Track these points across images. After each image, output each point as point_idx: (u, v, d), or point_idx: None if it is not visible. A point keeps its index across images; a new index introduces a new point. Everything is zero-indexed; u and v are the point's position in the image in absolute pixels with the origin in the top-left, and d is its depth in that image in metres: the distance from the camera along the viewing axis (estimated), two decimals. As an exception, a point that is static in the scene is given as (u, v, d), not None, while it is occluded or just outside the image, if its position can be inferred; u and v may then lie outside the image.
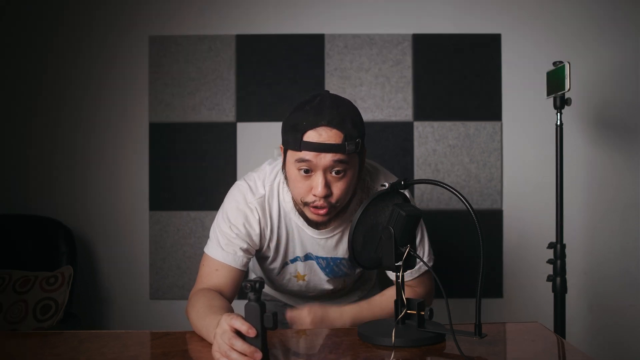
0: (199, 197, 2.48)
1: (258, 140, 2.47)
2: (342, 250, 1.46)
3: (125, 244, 2.51)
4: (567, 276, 2.04)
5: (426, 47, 2.49)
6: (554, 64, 2.01)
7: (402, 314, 1.20)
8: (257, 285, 1.02)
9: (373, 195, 1.20)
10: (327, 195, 1.27)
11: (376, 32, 2.49)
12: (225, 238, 1.37)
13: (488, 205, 2.49)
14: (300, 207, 1.33)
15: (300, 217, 1.39)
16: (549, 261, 2.07)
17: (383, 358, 1.10)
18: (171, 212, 2.49)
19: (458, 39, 2.48)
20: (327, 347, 1.19)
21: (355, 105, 1.34)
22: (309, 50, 2.49)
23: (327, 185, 1.26)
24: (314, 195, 1.27)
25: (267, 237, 1.42)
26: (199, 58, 2.49)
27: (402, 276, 1.20)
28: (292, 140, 1.26)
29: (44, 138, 2.51)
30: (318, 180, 1.25)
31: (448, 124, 2.49)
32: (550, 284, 2.07)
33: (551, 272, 2.06)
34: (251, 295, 1.02)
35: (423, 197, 2.48)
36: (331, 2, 2.49)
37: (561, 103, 2.01)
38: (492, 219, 2.48)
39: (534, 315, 2.21)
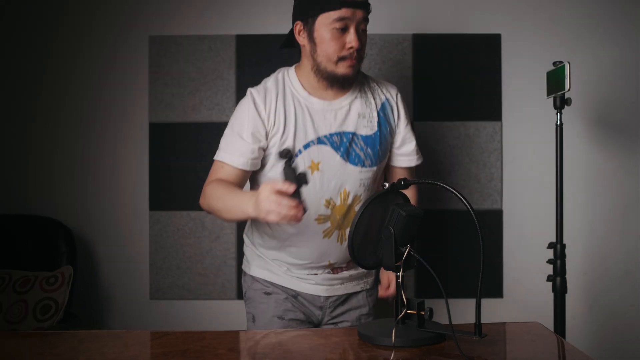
0: (199, 197, 2.47)
1: (258, 140, 2.46)
2: (352, 123, 1.57)
3: (125, 244, 2.51)
4: (567, 276, 2.04)
5: (426, 47, 2.49)
6: (554, 64, 2.01)
7: (402, 314, 1.20)
8: (290, 152, 1.26)
9: (373, 196, 1.21)
10: (359, 48, 1.48)
11: (376, 32, 2.48)
12: (231, 143, 1.54)
13: (488, 205, 2.48)
14: (332, 66, 1.49)
15: (327, 81, 1.53)
16: (549, 261, 2.07)
17: (383, 358, 1.10)
18: (171, 212, 2.49)
19: (458, 39, 2.48)
20: (327, 347, 1.19)
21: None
22: (309, 50, 2.48)
23: (359, 38, 1.48)
24: (350, 49, 1.47)
25: (274, 109, 1.53)
26: (199, 58, 2.49)
27: (402, 276, 1.20)
28: (326, 3, 1.44)
29: (44, 138, 2.51)
30: (352, 34, 1.47)
31: (448, 124, 2.49)
32: (550, 284, 2.07)
33: (551, 272, 2.06)
34: (285, 161, 1.23)
35: (423, 197, 2.48)
36: (331, 2, 2.49)
37: (561, 103, 2.01)
38: (492, 219, 2.48)
39: (534, 315, 2.20)
